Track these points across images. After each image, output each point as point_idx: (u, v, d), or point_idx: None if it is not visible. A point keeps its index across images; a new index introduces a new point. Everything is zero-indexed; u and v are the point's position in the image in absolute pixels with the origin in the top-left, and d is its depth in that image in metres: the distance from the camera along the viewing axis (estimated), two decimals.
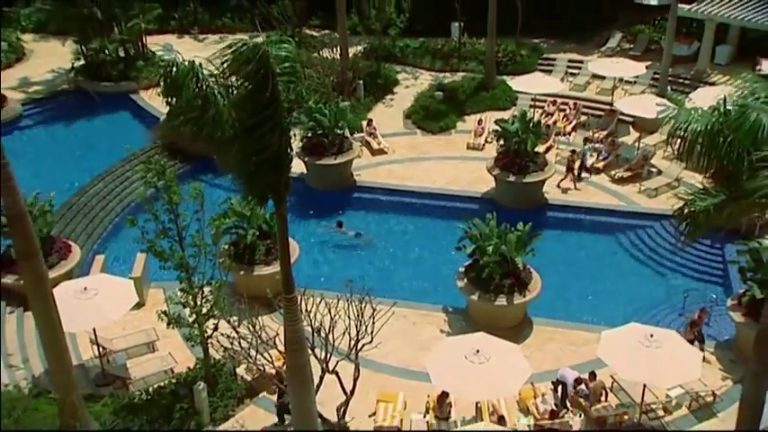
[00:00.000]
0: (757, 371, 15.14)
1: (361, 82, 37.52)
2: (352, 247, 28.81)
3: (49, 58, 41.27)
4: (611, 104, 35.53)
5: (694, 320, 22.02)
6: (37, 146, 34.29)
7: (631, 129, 34.30)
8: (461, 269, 24.06)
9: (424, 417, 19.78)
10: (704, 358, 20.84)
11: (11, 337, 22.76)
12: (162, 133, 32.71)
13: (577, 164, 31.03)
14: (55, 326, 18.21)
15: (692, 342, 20.86)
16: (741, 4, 37.34)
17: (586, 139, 33.11)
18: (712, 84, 35.32)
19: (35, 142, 34.79)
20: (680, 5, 35.65)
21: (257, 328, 19.25)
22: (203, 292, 19.69)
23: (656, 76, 37.03)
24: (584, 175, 31.30)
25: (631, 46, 41.31)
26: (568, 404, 20.24)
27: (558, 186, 30.53)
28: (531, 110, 34.58)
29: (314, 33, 42.99)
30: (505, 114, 33.75)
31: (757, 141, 13.16)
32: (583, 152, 31.66)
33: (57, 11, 38.20)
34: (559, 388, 20.59)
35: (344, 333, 18.31)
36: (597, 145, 32.90)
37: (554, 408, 19.66)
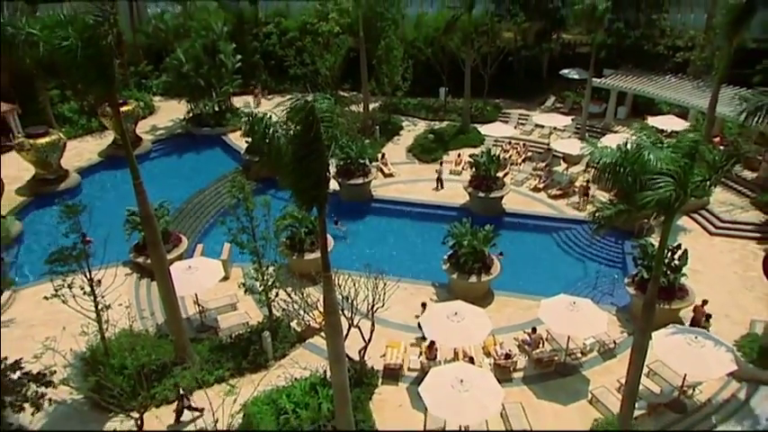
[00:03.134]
0: (643, 327, 15.06)
1: (378, 127, 37.52)
2: (370, 241, 28.67)
3: (170, 112, 41.58)
4: (548, 144, 35.37)
5: (696, 317, 20.48)
6: (161, 170, 34.46)
7: (562, 161, 34.03)
8: (445, 257, 23.93)
9: (418, 358, 19.76)
10: (708, 329, 19.52)
11: (143, 299, 22.96)
12: (255, 170, 31.49)
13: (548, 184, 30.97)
14: (171, 291, 18.45)
15: (707, 317, 20.22)
16: (634, 79, 37.76)
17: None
18: (615, 132, 35.11)
19: (160, 168, 34.95)
20: (594, 79, 35.70)
21: (305, 295, 19.30)
22: (269, 270, 19.76)
23: (578, 126, 36.73)
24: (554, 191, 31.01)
25: (561, 105, 41.06)
26: (517, 350, 20.13)
27: (579, 210, 29.39)
28: (494, 147, 34.45)
29: (345, 94, 42.98)
30: (476, 150, 33.54)
31: (645, 170, 13.06)
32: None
33: (176, 81, 38.84)
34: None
35: (364, 300, 18.28)
36: (540, 172, 32.72)
37: (507, 352, 19.57)
